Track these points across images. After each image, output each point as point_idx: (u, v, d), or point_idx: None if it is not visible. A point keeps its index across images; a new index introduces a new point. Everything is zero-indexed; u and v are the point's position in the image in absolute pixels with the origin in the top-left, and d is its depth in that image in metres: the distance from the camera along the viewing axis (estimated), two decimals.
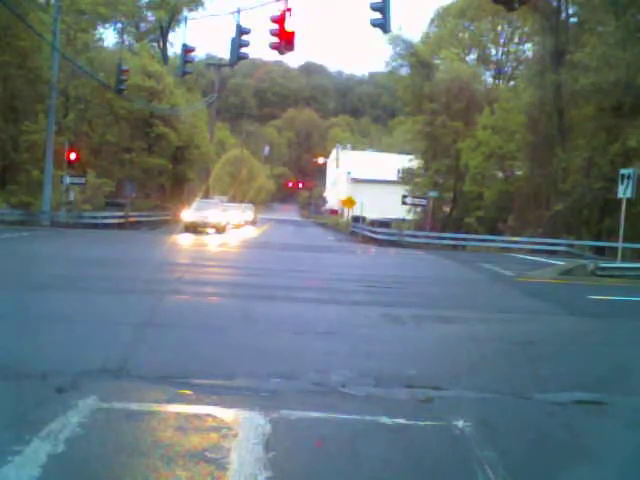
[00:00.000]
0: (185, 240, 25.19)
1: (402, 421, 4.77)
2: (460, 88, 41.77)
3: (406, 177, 45.90)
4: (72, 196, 29.58)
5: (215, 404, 4.88)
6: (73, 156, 29.49)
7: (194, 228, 29.20)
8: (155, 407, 4.79)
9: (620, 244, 20.10)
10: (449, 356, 7.61)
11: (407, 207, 45.08)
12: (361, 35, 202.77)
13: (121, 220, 30.93)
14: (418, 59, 44.57)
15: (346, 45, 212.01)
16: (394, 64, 46.39)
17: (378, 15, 15.88)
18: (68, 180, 29.32)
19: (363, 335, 8.53)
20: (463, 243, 31.35)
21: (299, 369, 6.23)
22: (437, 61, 46.57)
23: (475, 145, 38.51)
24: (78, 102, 36.90)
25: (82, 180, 30.28)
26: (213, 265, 16.91)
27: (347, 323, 9.42)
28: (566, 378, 6.54)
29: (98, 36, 44.30)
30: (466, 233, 34.90)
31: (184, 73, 21.58)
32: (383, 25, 16.02)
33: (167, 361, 6.23)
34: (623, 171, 19.74)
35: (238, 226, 39.51)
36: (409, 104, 48.19)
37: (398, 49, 45.55)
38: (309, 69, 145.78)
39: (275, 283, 13.68)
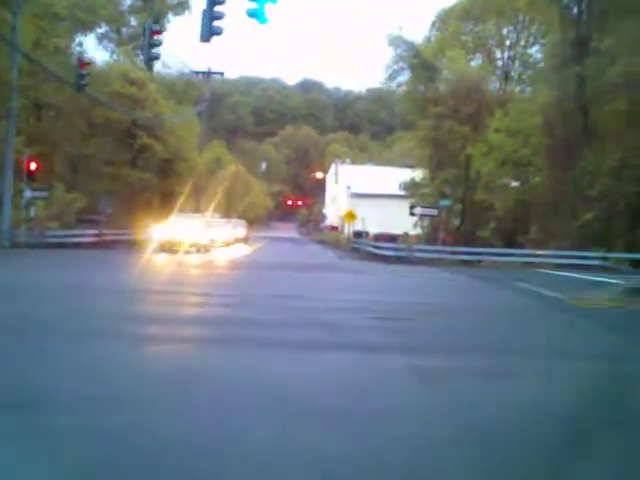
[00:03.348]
0: (159, 261, 21.09)
1: None
2: (468, 89, 37.76)
3: (411, 189, 41.72)
4: (33, 212, 25.46)
5: None
6: (33, 166, 25.31)
7: (169, 248, 24.82)
8: None
9: None
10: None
11: (412, 220, 41.06)
12: (358, 51, 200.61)
13: (94, 239, 26.76)
14: (421, 60, 40.63)
15: (343, 61, 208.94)
16: (395, 67, 42.36)
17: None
18: (29, 194, 25.21)
19: (385, 416, 4.57)
20: (480, 258, 27.17)
21: None
22: (441, 63, 42.58)
23: (487, 150, 34.41)
24: (48, 109, 32.88)
25: (45, 194, 26.12)
26: (177, 292, 12.72)
27: (359, 387, 5.50)
28: None
29: (77, 43, 40.55)
30: (480, 247, 30.73)
31: (150, 59, 17.57)
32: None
33: None
34: None
35: (227, 244, 35.29)
36: (411, 111, 44.20)
37: (399, 51, 41.68)
38: (306, 86, 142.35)
39: (254, 316, 9.57)
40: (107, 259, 21.49)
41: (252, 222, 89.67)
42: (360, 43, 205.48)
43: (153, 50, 17.09)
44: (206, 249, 27.19)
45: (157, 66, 43.50)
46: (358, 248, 34.61)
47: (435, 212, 29.78)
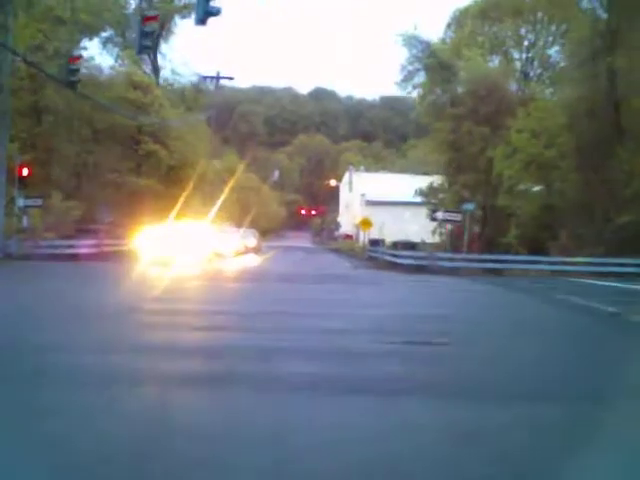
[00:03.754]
0: (156, 274, 18.98)
1: None
2: (488, 89, 35.68)
3: (429, 194, 39.59)
4: (26, 221, 23.66)
5: None
6: (25, 172, 23.50)
7: (164, 260, 21.59)
8: None
9: None
10: None
11: (430, 228, 38.98)
12: (371, 58, 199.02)
13: (92, 250, 24.85)
14: (437, 61, 38.63)
15: (356, 69, 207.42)
16: (410, 68, 40.33)
17: None
18: (22, 202, 23.43)
19: None
20: (507, 266, 24.99)
21: None
22: (458, 63, 40.53)
23: (510, 152, 32.27)
24: (48, 113, 31.21)
25: (39, 202, 24.33)
26: (167, 312, 10.70)
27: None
28: None
29: (82, 47, 38.98)
30: (504, 254, 28.56)
31: (142, 48, 15.70)
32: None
33: None
34: None
35: (237, 254, 33.29)
36: (428, 114, 42.14)
37: (414, 51, 39.71)
38: (319, 94, 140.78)
39: (255, 341, 7.58)
40: (100, 273, 19.44)
41: (265, 231, 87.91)
42: (373, 50, 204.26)
43: (146, 39, 15.21)
44: (209, 259, 25.02)
45: (165, 72, 41.98)
46: (375, 257, 32.56)
47: (459, 217, 27.65)
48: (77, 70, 19.29)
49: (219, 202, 59.46)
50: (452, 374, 6.24)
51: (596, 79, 28.31)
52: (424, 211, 41.84)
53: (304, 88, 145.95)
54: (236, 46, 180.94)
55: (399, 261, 25.52)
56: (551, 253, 28.73)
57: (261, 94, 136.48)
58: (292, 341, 7.89)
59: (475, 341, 8.41)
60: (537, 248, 30.63)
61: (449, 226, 31.48)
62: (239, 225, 56.28)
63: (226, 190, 74.25)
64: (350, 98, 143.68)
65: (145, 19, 14.98)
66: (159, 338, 7.95)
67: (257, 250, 42.23)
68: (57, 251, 23.68)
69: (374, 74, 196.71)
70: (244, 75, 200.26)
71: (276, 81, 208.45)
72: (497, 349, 7.91)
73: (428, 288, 17.54)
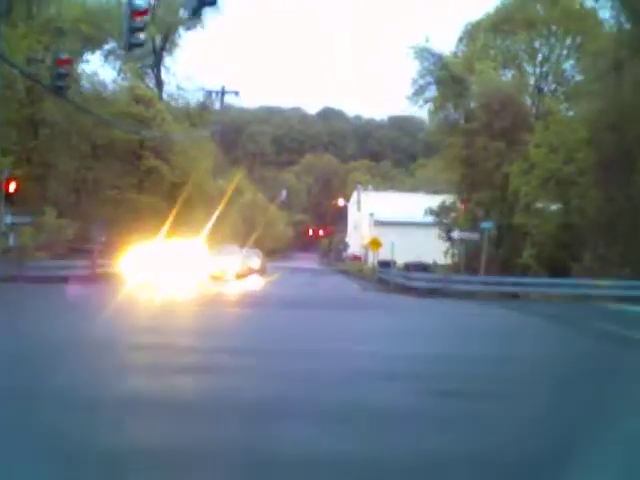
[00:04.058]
0: (144, 299, 17.08)
1: None
2: (502, 103, 34.06)
3: (441, 213, 37.85)
4: (12, 240, 22.05)
5: None
6: (12, 187, 21.86)
7: (151, 282, 19.74)
8: None
9: None
10: None
11: (442, 248, 37.23)
12: (379, 78, 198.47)
13: (83, 271, 23.12)
14: (450, 74, 37.12)
15: (364, 89, 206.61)
16: (421, 82, 38.79)
17: None
18: (9, 219, 21.83)
19: None
20: (528, 289, 23.15)
21: None
22: (471, 77, 38.99)
23: (527, 168, 30.56)
24: (43, 126, 29.76)
25: (28, 219, 22.73)
26: (151, 346, 8.96)
27: None
28: None
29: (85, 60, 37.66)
30: (522, 276, 26.73)
31: (131, 45, 14.10)
32: None
33: None
34: None
35: (239, 276, 31.43)
36: (439, 129, 40.58)
37: (426, 64, 38.22)
38: (327, 114, 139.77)
39: (246, 394, 5.86)
40: (86, 297, 17.52)
41: (272, 252, 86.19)
42: (381, 70, 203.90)
43: (135, 35, 13.61)
44: (205, 282, 23.01)
45: (170, 87, 40.59)
46: (385, 279, 30.75)
47: (476, 236, 25.85)
48: (66, 74, 17.70)
49: (222, 220, 57.98)
50: (515, 447, 4.47)
51: (619, 91, 26.69)
52: (435, 231, 40.22)
53: (312, 108, 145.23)
54: (244, 66, 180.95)
55: (411, 284, 23.74)
56: (573, 275, 26.89)
57: (269, 114, 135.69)
58: (292, 392, 6.14)
59: (524, 389, 6.61)
60: (556, 269, 28.76)
61: (461, 246, 29.60)
62: (244, 245, 54.61)
63: (230, 209, 72.97)
64: (358, 118, 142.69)
65: (134, 13, 13.39)
66: (128, 387, 6.21)
67: (261, 271, 40.45)
68: (47, 273, 22.00)
69: (382, 94, 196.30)
70: (252, 95, 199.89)
71: (284, 101, 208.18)
72: (560, 401, 6.09)
73: (445, 315, 15.75)
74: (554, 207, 32.74)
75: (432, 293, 22.18)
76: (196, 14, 11.95)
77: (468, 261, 31.99)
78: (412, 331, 11.96)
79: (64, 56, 17.15)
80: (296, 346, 9.23)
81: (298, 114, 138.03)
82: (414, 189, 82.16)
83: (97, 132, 32.09)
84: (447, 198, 38.67)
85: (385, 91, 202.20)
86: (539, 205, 32.68)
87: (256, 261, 39.82)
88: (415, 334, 11.44)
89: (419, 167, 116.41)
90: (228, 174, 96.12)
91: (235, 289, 23.95)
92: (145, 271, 19.92)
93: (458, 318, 15.13)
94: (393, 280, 27.55)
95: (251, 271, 36.66)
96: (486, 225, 25.86)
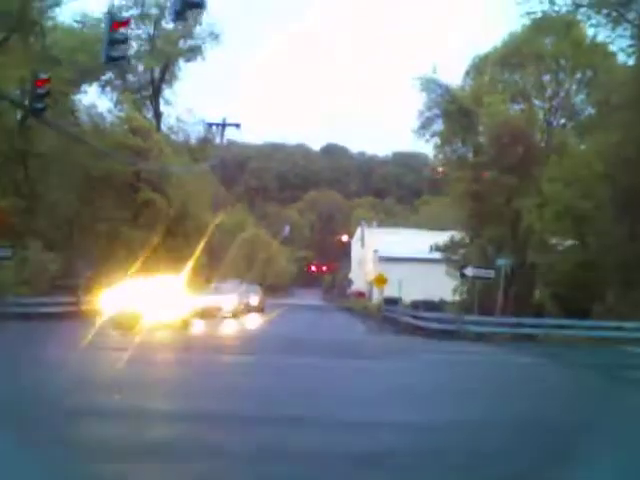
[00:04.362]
0: (112, 342, 15.16)
1: None
2: (513, 136, 32.53)
3: (448, 250, 36.05)
4: None
5: None
6: None
7: (127, 323, 17.42)
8: None
9: None
10: None
11: (451, 285, 35.28)
12: (383, 115, 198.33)
13: (69, 308, 21.32)
14: (458, 106, 35.72)
15: (368, 125, 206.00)
16: (428, 114, 37.35)
17: None
18: None
19: None
20: (546, 332, 21.16)
21: None
22: (479, 110, 37.58)
23: (540, 203, 28.84)
24: (32, 158, 28.23)
25: (8, 253, 20.97)
26: (105, 411, 7.11)
27: None
28: None
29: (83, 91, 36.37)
30: (540, 317, 24.80)
31: (109, 58, 12.52)
32: None
33: None
34: None
35: (236, 314, 29.18)
36: (446, 163, 39.08)
37: (433, 95, 36.86)
38: (330, 151, 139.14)
39: None
40: (55, 338, 15.56)
41: (274, 288, 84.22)
42: (385, 107, 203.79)
43: (116, 47, 12.04)
44: (184, 323, 20.31)
45: (171, 120, 39.22)
46: (392, 318, 28.84)
47: (491, 274, 23.94)
48: (44, 95, 16.13)
49: (222, 256, 56.29)
50: None
51: (636, 124, 25.18)
52: (441, 268, 38.39)
53: (316, 144, 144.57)
54: (247, 102, 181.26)
55: (421, 324, 21.86)
56: (594, 316, 24.97)
57: (273, 150, 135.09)
58: None
59: None
60: (572, 309, 26.84)
61: (474, 285, 27.48)
62: (244, 280, 52.65)
63: (231, 244, 71.34)
64: (362, 154, 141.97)
65: (115, 24, 11.85)
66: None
67: (260, 309, 38.28)
68: (27, 310, 20.23)
69: (386, 130, 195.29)
70: (256, 131, 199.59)
71: (288, 137, 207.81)
72: None
73: (469, 365, 13.59)
74: (568, 243, 31.00)
75: (444, 335, 20.30)
76: (180, 17, 10.43)
77: (483, 300, 30.10)
78: (429, 388, 9.97)
79: (43, 76, 15.56)
80: (287, 411, 7.37)
81: (302, 150, 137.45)
82: (418, 226, 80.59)
83: (91, 164, 30.55)
84: (455, 234, 36.90)
85: (389, 127, 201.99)
86: (553, 241, 30.97)
87: (254, 298, 37.65)
88: (432, 392, 9.50)
89: (423, 204, 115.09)
90: (230, 209, 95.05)
91: (228, 329, 22.10)
92: (122, 310, 17.94)
93: (482, 368, 13.08)
94: (400, 319, 25.63)
95: (249, 308, 34.70)
96: (502, 262, 24.00)
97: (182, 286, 20.61)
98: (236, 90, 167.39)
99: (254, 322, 27.86)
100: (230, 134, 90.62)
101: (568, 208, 27.96)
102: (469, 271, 23.73)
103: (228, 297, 28.40)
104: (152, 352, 13.12)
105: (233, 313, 28.41)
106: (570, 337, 21.13)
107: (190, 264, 23.11)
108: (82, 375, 9.42)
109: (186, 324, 20.23)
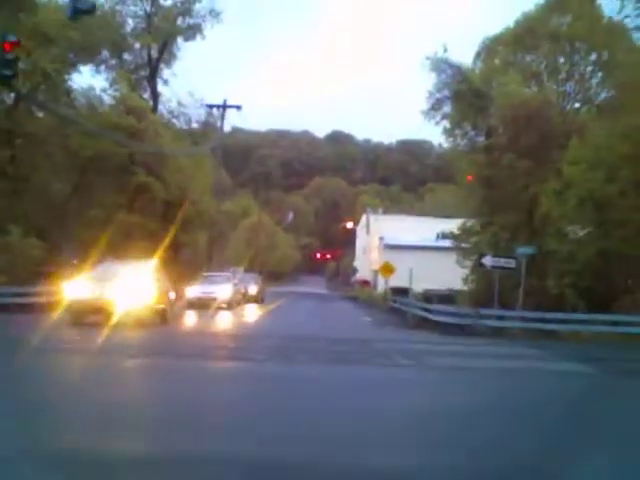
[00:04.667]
0: (68, 340, 13.11)
1: None
2: (529, 117, 30.33)
3: (459, 237, 33.91)
4: None
5: None
6: None
7: (85, 313, 15.50)
8: None
9: None
10: None
11: (461, 274, 33.20)
12: (389, 102, 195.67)
13: (42, 299, 19.17)
14: (470, 86, 33.48)
15: (373, 113, 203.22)
16: (438, 95, 35.07)
17: None
18: None
19: None
20: (572, 327, 19.12)
21: None
22: (491, 92, 35.32)
23: (561, 188, 26.68)
24: (14, 136, 26.18)
25: None
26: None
27: None
28: None
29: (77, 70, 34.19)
30: (559, 310, 22.67)
31: (76, 11, 10.49)
32: None
33: None
34: None
35: (231, 305, 26.47)
36: (457, 148, 36.80)
37: (443, 76, 34.59)
38: (336, 138, 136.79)
39: None
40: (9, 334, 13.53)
41: (278, 275, 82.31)
42: (391, 94, 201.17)
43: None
44: (160, 315, 17.59)
45: (169, 103, 37.03)
46: (399, 309, 26.83)
47: (512, 263, 21.83)
48: (12, 60, 13.99)
49: (224, 243, 54.28)
50: None
51: None
52: (449, 256, 36.31)
53: (321, 131, 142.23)
54: (253, 89, 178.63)
55: (433, 317, 19.83)
56: (616, 309, 22.91)
57: (278, 137, 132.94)
58: None
59: None
60: (595, 302, 24.78)
61: (488, 275, 25.25)
62: (238, 270, 50.52)
63: (233, 231, 69.37)
64: (367, 141, 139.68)
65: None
66: None
67: (259, 299, 35.66)
68: (4, 300, 18.31)
69: (392, 117, 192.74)
70: (261, 119, 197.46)
71: (293, 124, 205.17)
72: None
73: (508, 375, 10.99)
74: (586, 231, 28.87)
75: (457, 329, 18.28)
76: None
77: (491, 291, 28.06)
78: (475, 410, 7.82)
79: (11, 39, 13.46)
80: (278, 451, 5.37)
81: (307, 137, 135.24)
82: (423, 214, 78.52)
83: (84, 145, 28.55)
84: (465, 221, 34.74)
85: (395, 115, 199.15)
86: (570, 229, 28.83)
87: (253, 287, 35.06)
88: (482, 416, 7.40)
89: (428, 191, 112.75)
90: (234, 196, 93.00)
91: (216, 323, 19.92)
92: (81, 300, 15.65)
93: (523, 381, 10.54)
94: (411, 311, 23.60)
95: (247, 299, 32.43)
96: (525, 250, 21.87)
97: (157, 273, 18.40)
98: (240, 76, 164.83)
99: (250, 315, 25.61)
100: (235, 121, 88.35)
101: (591, 192, 25.82)
102: (488, 260, 21.59)
103: (222, 287, 26.26)
104: (107, 356, 10.83)
105: (228, 304, 26.01)
106: (598, 333, 19.11)
107: (187, 251, 21.03)
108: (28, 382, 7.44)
109: (163, 317, 17.96)
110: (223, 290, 25.99)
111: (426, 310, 21.48)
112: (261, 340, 14.92)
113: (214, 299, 24.85)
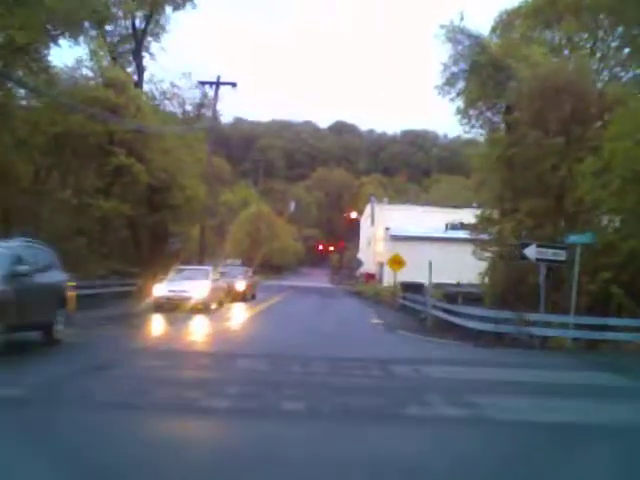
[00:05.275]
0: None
1: None
2: (558, 89, 26.04)
3: (479, 226, 29.69)
4: None
5: None
6: None
7: None
8: None
9: None
10: None
11: (477, 268, 29.19)
12: (392, 92, 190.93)
13: None
14: (489, 58, 29.23)
15: (377, 103, 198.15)
16: (454, 69, 30.80)
17: None
18: None
19: None
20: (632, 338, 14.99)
21: None
22: (514, 65, 31.07)
23: (601, 168, 22.49)
24: None
25: None
26: None
27: None
28: None
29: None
30: (604, 312, 18.49)
31: None
32: None
33: None
34: None
35: (206, 306, 20.94)
36: (475, 126, 32.51)
37: (460, 47, 30.30)
38: (339, 128, 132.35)
39: None
40: None
41: (279, 268, 78.22)
42: (395, 84, 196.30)
43: None
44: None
45: (165, 85, 32.88)
46: (411, 308, 22.73)
47: (562, 255, 17.63)
48: None
49: (220, 234, 50.10)
50: None
51: None
52: (459, 247, 32.40)
53: (324, 122, 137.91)
54: (257, 79, 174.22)
55: (461, 322, 15.71)
56: None
57: (281, 128, 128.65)
58: None
59: None
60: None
61: (531, 269, 20.72)
62: (249, 262, 46.48)
63: (231, 221, 65.24)
64: (371, 132, 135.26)
65: None
66: None
67: (248, 295, 29.51)
68: None
69: (395, 108, 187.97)
70: (264, 109, 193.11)
71: (296, 115, 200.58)
72: None
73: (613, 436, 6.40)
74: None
75: (497, 339, 14.18)
76: None
77: (515, 288, 23.87)
78: None
79: None
80: None
81: (310, 128, 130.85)
82: (428, 204, 74.34)
83: (52, 120, 24.48)
84: (485, 209, 30.55)
85: (398, 105, 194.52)
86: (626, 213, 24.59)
87: (240, 283, 28.87)
88: None
89: (434, 183, 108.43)
90: (235, 186, 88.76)
91: (181, 335, 14.60)
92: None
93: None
94: (429, 313, 19.46)
95: (232, 297, 26.60)
96: (580, 239, 17.59)
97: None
98: (243, 66, 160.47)
99: (231, 319, 20.42)
100: (239, 112, 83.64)
101: (637, 174, 21.62)
102: (531, 252, 17.26)
103: (198, 283, 21.05)
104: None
105: (205, 305, 20.88)
106: None
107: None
108: None
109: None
110: (198, 287, 20.83)
111: (449, 312, 17.36)
112: (233, 364, 10.51)
113: (187, 299, 20.02)
